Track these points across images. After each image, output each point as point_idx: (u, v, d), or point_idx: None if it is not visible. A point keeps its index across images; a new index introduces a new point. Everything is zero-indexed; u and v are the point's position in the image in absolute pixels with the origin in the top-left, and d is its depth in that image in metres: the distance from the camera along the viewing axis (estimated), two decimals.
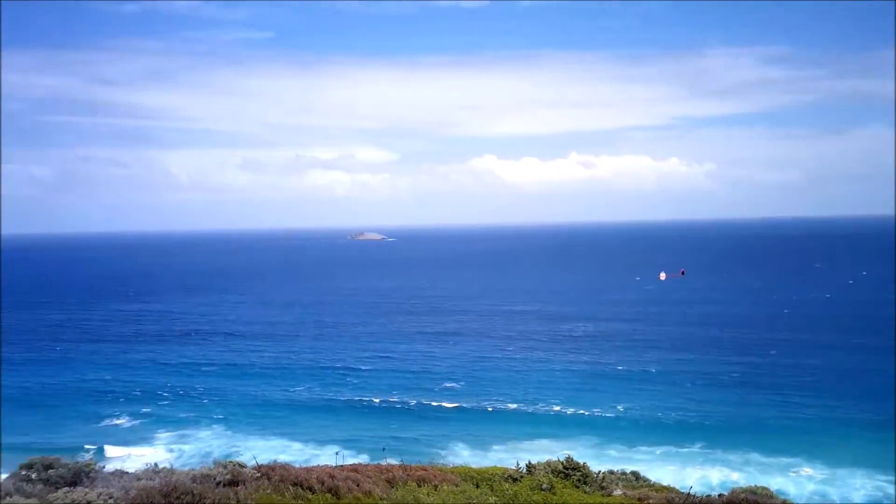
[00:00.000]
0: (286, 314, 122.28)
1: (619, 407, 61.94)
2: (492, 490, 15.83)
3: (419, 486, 15.61)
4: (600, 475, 17.98)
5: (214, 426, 60.94)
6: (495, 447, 52.36)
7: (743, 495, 16.72)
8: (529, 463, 17.88)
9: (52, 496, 12.02)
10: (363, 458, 40.27)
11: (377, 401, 66.48)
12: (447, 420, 60.69)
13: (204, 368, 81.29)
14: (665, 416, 59.39)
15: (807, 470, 47.31)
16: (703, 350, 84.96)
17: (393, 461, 21.41)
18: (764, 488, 19.35)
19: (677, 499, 16.47)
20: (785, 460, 48.71)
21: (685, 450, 51.39)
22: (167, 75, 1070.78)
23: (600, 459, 43.13)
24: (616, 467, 22.87)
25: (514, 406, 63.72)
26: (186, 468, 15.53)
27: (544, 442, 53.18)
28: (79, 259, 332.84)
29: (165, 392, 70.88)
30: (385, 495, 14.65)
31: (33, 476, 15.78)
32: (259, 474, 14.29)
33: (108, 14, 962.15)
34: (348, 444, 52.34)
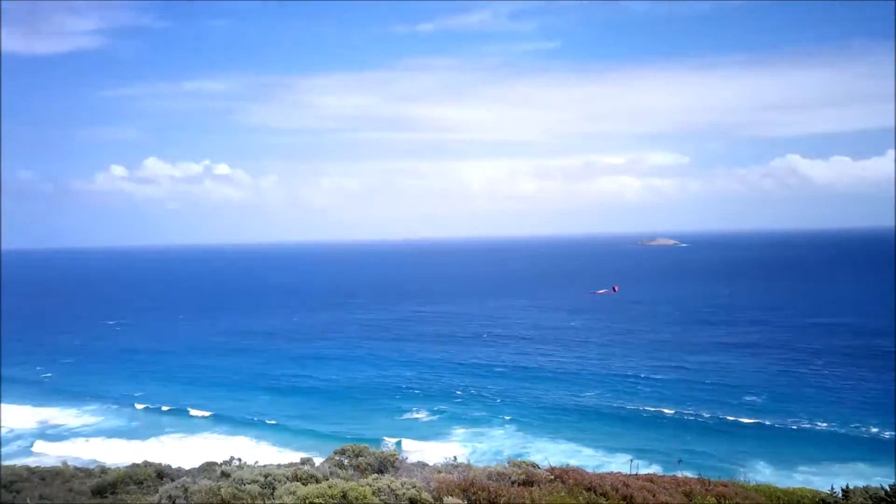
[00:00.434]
0: (574, 319, 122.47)
1: None
2: None
3: (719, 503, 14.63)
4: None
5: (506, 426, 62.52)
6: (801, 468, 48.38)
7: None
8: (846, 487, 16.08)
9: (361, 481, 12.78)
10: (656, 469, 38.99)
11: (669, 412, 64.23)
12: (745, 436, 57.03)
13: (496, 369, 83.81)
14: None
15: None
16: None
17: (689, 474, 20.35)
18: None
19: None
20: None
21: None
22: (461, 90, 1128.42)
23: None
24: None
25: (824, 425, 58.43)
26: (481, 465, 15.89)
27: (860, 466, 48.25)
28: (383, 264, 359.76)
29: (459, 391, 74.01)
30: None
31: (345, 462, 17.03)
32: (553, 476, 14.20)
33: (406, 35, 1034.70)
34: (640, 453, 51.04)
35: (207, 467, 20.57)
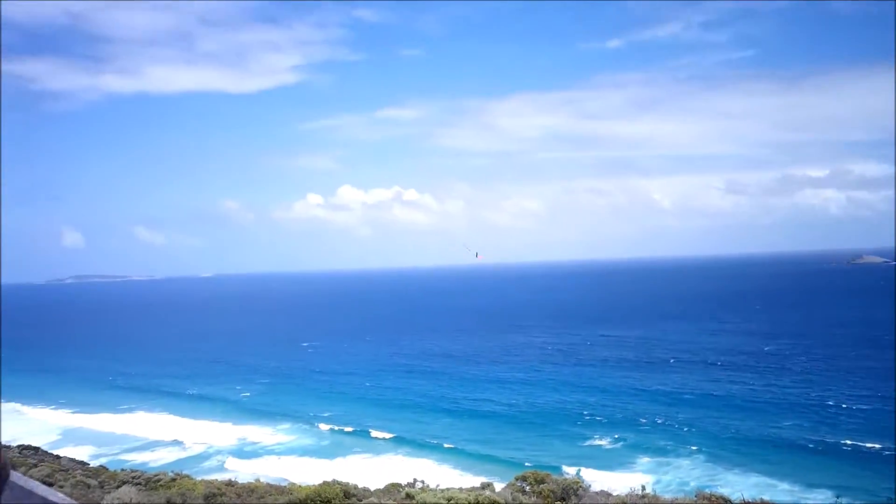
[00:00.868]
0: (770, 344, 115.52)
1: None
2: None
3: None
4: None
5: (693, 456, 59.65)
6: None
7: None
8: None
9: None
10: None
11: (875, 446, 58.89)
12: None
13: (683, 397, 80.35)
14: None
15: None
16: None
17: None
18: None
19: None
20: None
21: None
22: (650, 105, 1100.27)
23: None
24: None
25: None
26: (667, 496, 14.98)
27: None
28: (565, 285, 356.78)
29: (643, 418, 71.48)
30: None
31: (526, 488, 16.62)
32: None
33: (593, 52, 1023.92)
34: (842, 490, 47.11)
35: (392, 488, 20.85)
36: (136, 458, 67.25)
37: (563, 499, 15.32)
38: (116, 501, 18.56)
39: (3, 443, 71.92)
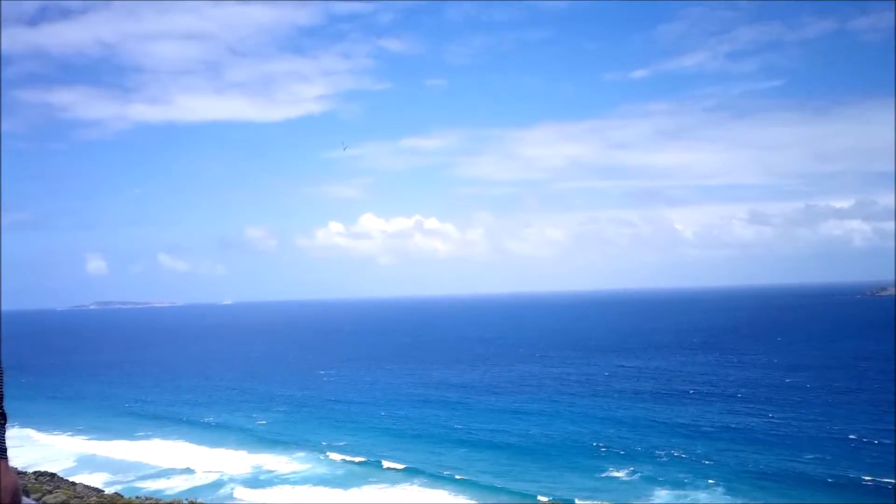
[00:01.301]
0: (791, 376, 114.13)
1: None
2: None
3: None
4: None
5: (711, 489, 58.89)
6: None
7: None
8: None
9: None
10: None
11: None
12: None
13: (702, 429, 79.35)
14: None
15: None
16: None
17: None
18: None
19: None
20: None
21: None
22: (676, 134, 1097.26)
23: None
24: None
25: None
26: None
27: None
28: (585, 315, 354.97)
29: (661, 450, 70.61)
30: None
31: None
32: None
33: (620, 82, 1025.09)
34: None
35: None
36: (151, 486, 67.34)
37: None
38: None
39: (19, 469, 72.26)
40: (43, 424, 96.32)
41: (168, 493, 63.53)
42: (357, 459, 73.06)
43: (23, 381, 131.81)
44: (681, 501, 56.78)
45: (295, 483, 67.73)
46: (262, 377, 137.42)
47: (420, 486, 64.16)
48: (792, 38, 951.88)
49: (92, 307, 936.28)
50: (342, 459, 73.85)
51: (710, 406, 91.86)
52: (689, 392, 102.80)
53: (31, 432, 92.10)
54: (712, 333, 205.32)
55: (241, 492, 63.82)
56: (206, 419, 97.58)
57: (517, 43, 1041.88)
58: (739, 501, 56.02)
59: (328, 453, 75.99)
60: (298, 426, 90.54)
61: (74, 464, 78.58)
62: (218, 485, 66.89)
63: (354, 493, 63.18)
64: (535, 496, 58.04)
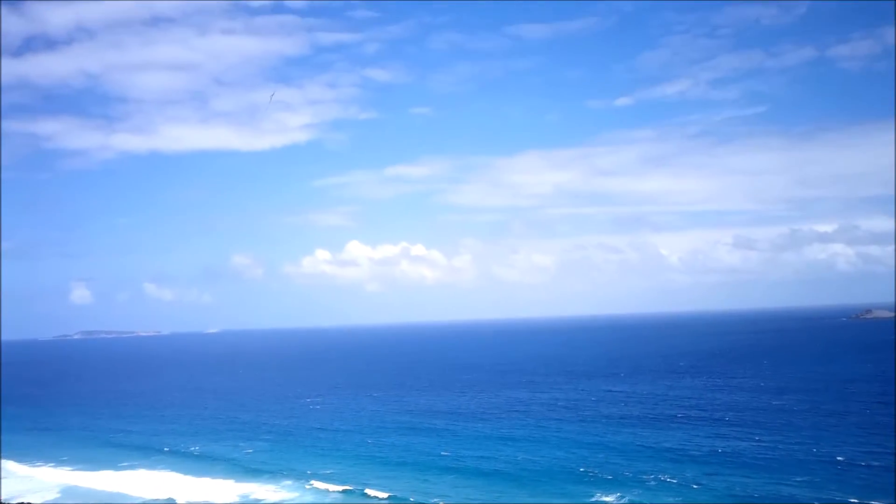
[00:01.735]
0: (778, 399, 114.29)
1: None
2: None
3: None
4: None
5: None
6: None
7: None
8: None
9: None
10: None
11: None
12: None
13: (690, 453, 79.14)
14: None
15: None
16: None
17: None
18: None
19: None
20: None
21: None
22: (660, 161, 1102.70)
23: None
24: None
25: None
26: None
27: None
28: (574, 340, 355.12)
29: (650, 475, 70.34)
30: None
31: None
32: None
33: (604, 110, 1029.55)
34: None
35: None
36: None
37: None
38: None
39: (3, 500, 71.29)
40: (24, 456, 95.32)
41: None
42: (343, 488, 72.41)
43: (4, 413, 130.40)
44: None
45: None
46: (247, 406, 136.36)
47: None
48: (772, 65, 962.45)
49: (76, 336, 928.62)
50: (328, 489, 73.17)
51: (698, 430, 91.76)
52: (676, 416, 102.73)
53: (10, 464, 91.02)
54: (699, 358, 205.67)
55: None
56: (191, 449, 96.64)
57: (502, 71, 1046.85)
58: None
59: (315, 482, 75.33)
60: (285, 455, 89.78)
61: (58, 495, 77.77)
62: None
63: None
64: None
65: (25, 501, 72.14)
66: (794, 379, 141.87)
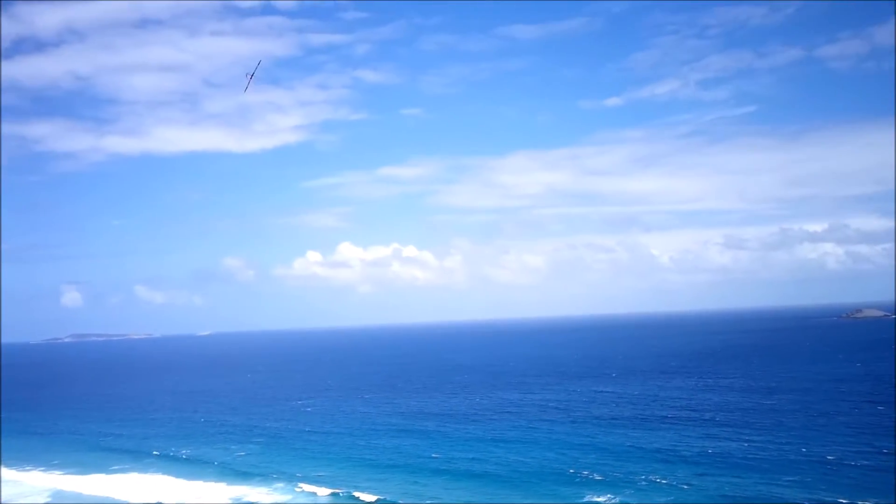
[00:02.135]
0: (768, 399, 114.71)
1: None
2: None
3: None
4: None
5: None
6: None
7: None
8: None
9: None
10: None
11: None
12: None
13: (681, 453, 79.32)
14: None
15: None
16: None
17: None
18: None
19: None
20: None
21: None
22: (651, 161, 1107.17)
23: None
24: None
25: None
26: None
27: None
28: (563, 340, 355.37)
29: (641, 476, 70.51)
30: None
31: None
32: None
33: (595, 110, 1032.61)
34: None
35: None
36: None
37: None
38: None
39: None
40: (14, 460, 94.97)
41: None
42: (333, 491, 72.39)
43: None
44: None
45: None
46: (238, 409, 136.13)
47: None
48: (762, 65, 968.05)
49: (67, 340, 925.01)
50: (318, 492, 73.13)
51: (689, 430, 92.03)
52: (667, 417, 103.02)
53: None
54: (690, 358, 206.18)
55: None
56: (182, 452, 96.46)
57: (493, 72, 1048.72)
58: None
59: (305, 485, 75.31)
60: (276, 458, 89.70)
61: (48, 499, 77.68)
62: None
63: None
64: None
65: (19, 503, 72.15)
66: (785, 379, 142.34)
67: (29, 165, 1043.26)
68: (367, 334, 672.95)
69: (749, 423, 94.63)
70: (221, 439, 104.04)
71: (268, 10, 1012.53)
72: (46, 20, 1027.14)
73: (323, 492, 72.59)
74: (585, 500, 64.49)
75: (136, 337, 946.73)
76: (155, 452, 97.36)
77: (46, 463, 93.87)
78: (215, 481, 79.84)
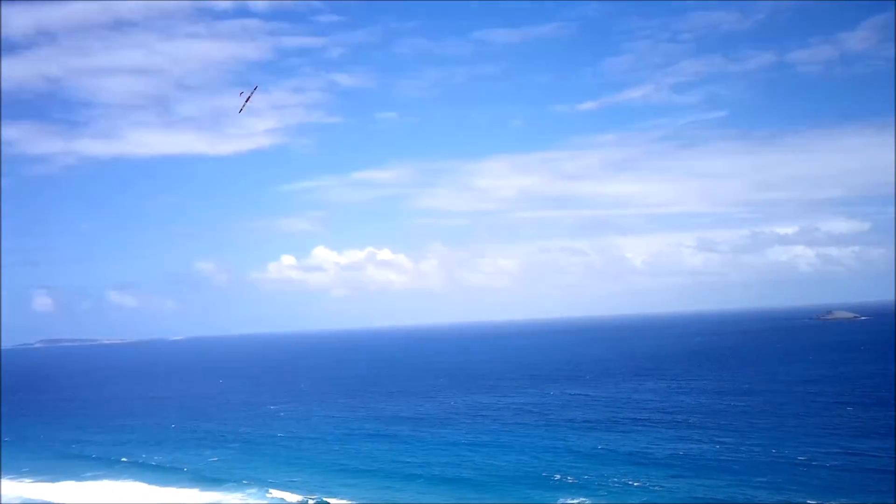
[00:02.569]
0: (740, 401, 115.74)
1: None
2: None
3: None
4: None
5: None
6: None
7: None
8: None
9: None
10: None
11: (844, 502, 59.18)
12: None
13: (654, 456, 79.89)
14: None
15: None
16: None
17: None
18: None
19: None
20: None
21: None
22: (624, 165, 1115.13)
23: None
24: None
25: None
26: None
27: None
28: (538, 343, 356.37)
29: (614, 479, 70.92)
30: None
31: None
32: None
33: (569, 115, 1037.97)
34: None
35: None
36: None
37: None
38: None
39: None
40: None
41: None
42: (305, 498, 72.03)
43: None
44: None
45: None
46: (211, 414, 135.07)
47: None
48: (734, 69, 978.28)
49: (38, 345, 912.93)
50: (287, 498, 72.78)
51: (662, 433, 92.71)
52: (640, 419, 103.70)
53: None
54: (663, 360, 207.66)
55: None
56: (154, 458, 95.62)
57: (468, 76, 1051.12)
58: None
59: (279, 490, 74.99)
60: (249, 463, 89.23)
61: None
62: None
63: None
64: None
65: None
66: (757, 381, 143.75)
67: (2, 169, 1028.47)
68: (342, 338, 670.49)
69: (721, 425, 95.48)
70: (193, 445, 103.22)
71: (242, 13, 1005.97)
72: (17, 22, 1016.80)
73: (296, 498, 72.33)
74: (559, 502, 64.79)
75: (107, 342, 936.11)
76: (126, 459, 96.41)
77: (16, 471, 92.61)
78: (188, 487, 79.34)
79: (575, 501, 64.66)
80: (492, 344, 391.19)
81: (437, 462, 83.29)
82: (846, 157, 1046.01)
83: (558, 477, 73.01)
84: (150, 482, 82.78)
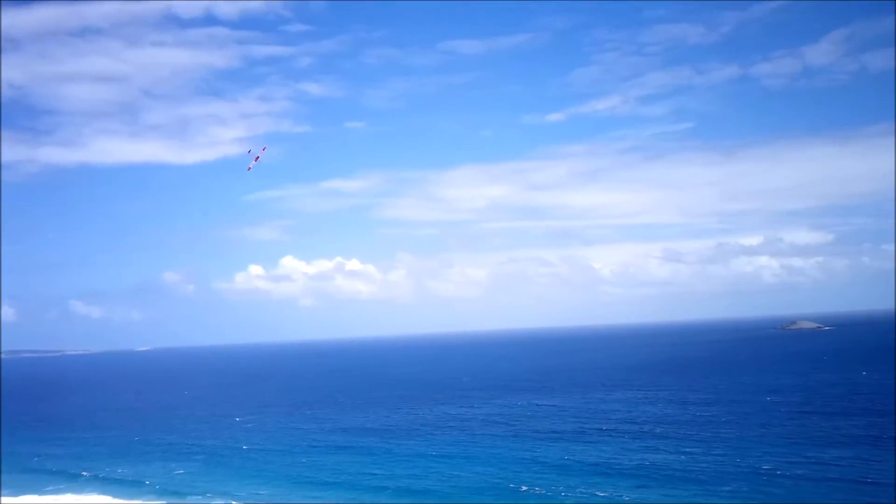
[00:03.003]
0: (706, 411, 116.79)
1: None
2: None
3: None
4: None
5: None
6: None
7: None
8: None
9: None
10: None
11: None
12: None
13: (621, 466, 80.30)
14: None
15: None
16: None
17: None
18: None
19: None
20: None
21: None
22: (592, 176, 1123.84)
23: None
24: None
25: None
26: None
27: None
28: (507, 353, 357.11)
29: (581, 489, 71.16)
30: None
31: None
32: None
33: (537, 125, 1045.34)
34: None
35: None
36: None
37: None
38: None
39: None
40: None
41: None
42: None
43: None
44: None
45: None
46: (176, 426, 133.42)
47: None
48: (700, 82, 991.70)
49: None
50: None
51: (629, 443, 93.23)
52: (607, 430, 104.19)
53: None
54: (631, 370, 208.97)
55: None
56: (118, 471, 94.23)
57: (437, 87, 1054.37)
58: None
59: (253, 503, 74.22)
60: (214, 476, 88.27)
61: None
62: None
63: None
64: None
65: None
66: (722, 391, 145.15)
67: None
68: (310, 349, 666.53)
69: (687, 436, 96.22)
70: (158, 458, 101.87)
71: (209, 22, 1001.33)
72: None
73: None
74: None
75: (72, 353, 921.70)
76: (89, 472, 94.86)
77: None
78: (152, 500, 78.39)
79: None
80: (460, 354, 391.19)
81: (403, 474, 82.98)
82: (810, 168, 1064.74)
83: (525, 488, 73.10)
84: (113, 495, 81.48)
